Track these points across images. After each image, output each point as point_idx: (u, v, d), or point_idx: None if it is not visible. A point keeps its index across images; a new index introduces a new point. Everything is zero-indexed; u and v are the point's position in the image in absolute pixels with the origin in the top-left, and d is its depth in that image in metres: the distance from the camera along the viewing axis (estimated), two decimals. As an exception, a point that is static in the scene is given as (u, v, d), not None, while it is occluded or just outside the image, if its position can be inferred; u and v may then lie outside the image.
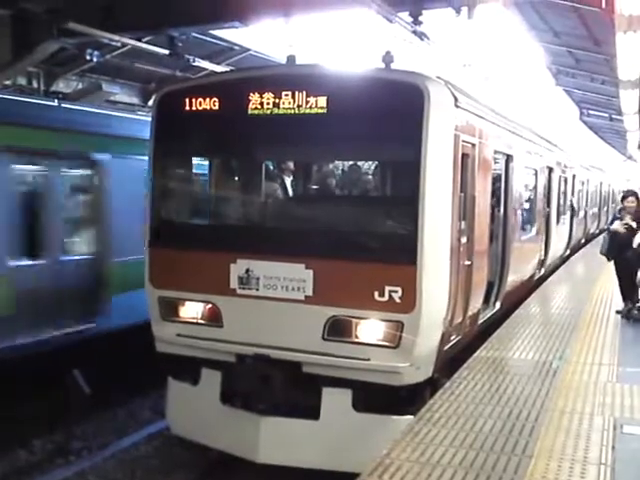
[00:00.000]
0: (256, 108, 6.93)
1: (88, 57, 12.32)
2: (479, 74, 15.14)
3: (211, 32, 13.27)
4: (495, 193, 9.51)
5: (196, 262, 7.23)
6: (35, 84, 14.50)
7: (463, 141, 7.09)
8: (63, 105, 11.03)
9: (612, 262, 10.11)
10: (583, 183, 20.65)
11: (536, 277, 12.81)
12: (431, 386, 6.79)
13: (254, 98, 6.93)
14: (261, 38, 14.41)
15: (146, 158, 7.81)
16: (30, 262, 9.44)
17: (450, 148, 6.69)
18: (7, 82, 13.09)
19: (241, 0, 9.56)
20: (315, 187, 9.53)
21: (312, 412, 6.77)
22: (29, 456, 8.62)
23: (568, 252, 17.65)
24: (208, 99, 7.16)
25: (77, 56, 13.15)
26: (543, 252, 13.25)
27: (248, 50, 15.50)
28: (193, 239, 7.55)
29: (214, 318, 7.21)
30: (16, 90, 13.42)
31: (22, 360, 8.69)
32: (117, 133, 10.86)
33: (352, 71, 7.19)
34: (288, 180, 8.80)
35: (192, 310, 7.39)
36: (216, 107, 7.15)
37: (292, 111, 6.77)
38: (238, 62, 15.47)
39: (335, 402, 6.73)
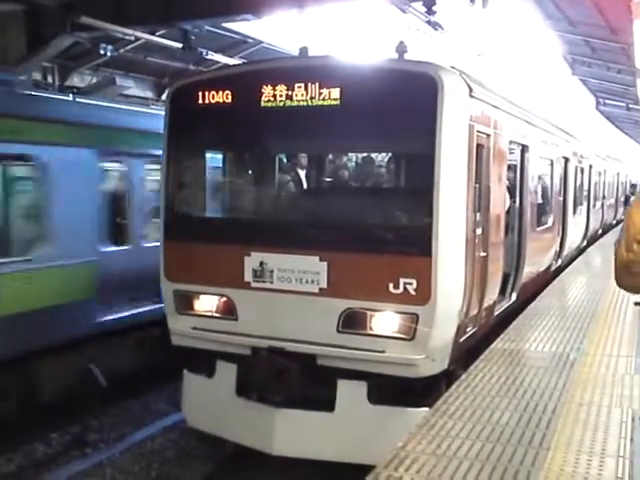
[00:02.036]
0: (269, 100, 6.91)
1: (102, 51, 12.35)
2: (493, 63, 15.03)
3: (224, 25, 13.24)
4: (510, 184, 9.44)
5: (210, 255, 7.23)
6: (50, 79, 14.57)
7: (478, 131, 7.02)
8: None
9: None
10: (600, 173, 20.46)
11: (553, 268, 12.71)
12: (447, 378, 6.76)
13: (267, 90, 6.90)
14: (274, 30, 14.37)
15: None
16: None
17: (465, 139, 6.63)
18: (22, 77, 13.15)
19: (253, -8, 9.53)
20: (328, 179, 9.50)
21: (327, 404, 6.77)
22: (46, 448, 8.69)
23: (585, 243, 17.51)
24: (221, 92, 7.15)
25: (91, 50, 13.18)
26: (559, 243, 13.14)
27: (261, 42, 15.45)
28: (207, 232, 7.57)
29: (229, 311, 7.22)
30: (31, 85, 13.48)
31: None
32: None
33: (365, 62, 7.14)
34: (301, 172, 8.77)
35: (207, 303, 7.40)
36: (229, 100, 7.13)
37: (305, 103, 6.74)
38: (251, 55, 15.42)
39: (350, 394, 6.72)
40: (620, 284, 3.59)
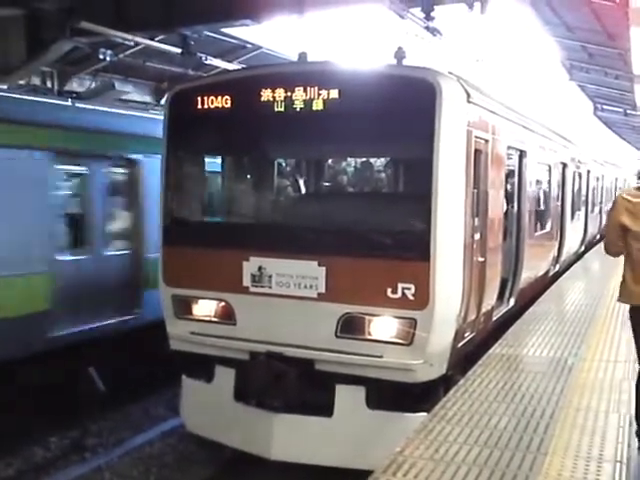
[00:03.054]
0: (268, 105, 6.92)
1: (101, 56, 12.38)
2: (492, 69, 15.07)
3: (223, 30, 13.27)
4: (508, 189, 9.46)
5: (209, 260, 7.24)
6: (49, 84, 14.59)
7: (476, 137, 7.05)
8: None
9: None
10: (597, 179, 20.50)
11: (551, 273, 12.73)
12: (445, 383, 6.77)
13: (266, 95, 6.92)
14: (273, 35, 14.41)
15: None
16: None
17: (463, 144, 6.65)
18: (21, 82, 13.17)
19: (253, -3, 9.55)
20: (327, 184, 9.52)
21: (325, 409, 6.77)
22: (45, 452, 8.67)
23: (583, 248, 17.54)
24: (220, 97, 7.16)
25: (90, 55, 13.21)
26: (557, 248, 13.16)
27: (260, 48, 15.49)
28: (206, 237, 7.57)
29: (227, 316, 7.23)
30: (30, 90, 13.49)
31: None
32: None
33: (364, 67, 7.17)
34: (300, 177, 8.80)
35: (205, 308, 7.40)
36: (228, 105, 7.15)
37: (304, 108, 6.76)
38: (250, 60, 15.47)
39: (348, 399, 6.72)
40: (608, 253, 5.17)
